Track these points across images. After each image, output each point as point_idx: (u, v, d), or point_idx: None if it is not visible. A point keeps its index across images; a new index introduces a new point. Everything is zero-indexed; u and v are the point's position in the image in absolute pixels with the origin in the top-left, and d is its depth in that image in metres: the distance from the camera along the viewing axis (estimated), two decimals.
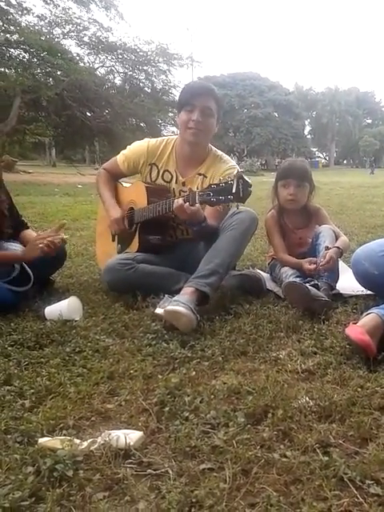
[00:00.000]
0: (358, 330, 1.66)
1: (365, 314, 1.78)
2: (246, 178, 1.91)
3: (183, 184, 2.46)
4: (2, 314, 1.97)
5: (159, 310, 1.96)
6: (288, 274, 2.35)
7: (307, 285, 2.13)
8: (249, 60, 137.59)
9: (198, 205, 2.02)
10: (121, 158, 2.61)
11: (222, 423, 1.22)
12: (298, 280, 2.22)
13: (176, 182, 2.49)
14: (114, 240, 2.63)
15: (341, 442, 1.15)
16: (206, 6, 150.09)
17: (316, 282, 2.23)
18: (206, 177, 2.44)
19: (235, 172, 1.96)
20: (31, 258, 2.19)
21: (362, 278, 2.12)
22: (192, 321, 1.86)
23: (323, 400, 1.32)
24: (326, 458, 1.07)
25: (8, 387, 1.41)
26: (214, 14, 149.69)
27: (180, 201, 2.04)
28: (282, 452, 1.10)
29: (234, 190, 1.89)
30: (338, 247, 2.36)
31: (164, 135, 2.79)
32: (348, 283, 2.40)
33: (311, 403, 1.31)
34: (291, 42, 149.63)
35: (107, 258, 2.39)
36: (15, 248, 2.34)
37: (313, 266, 2.32)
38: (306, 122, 60.04)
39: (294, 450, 1.11)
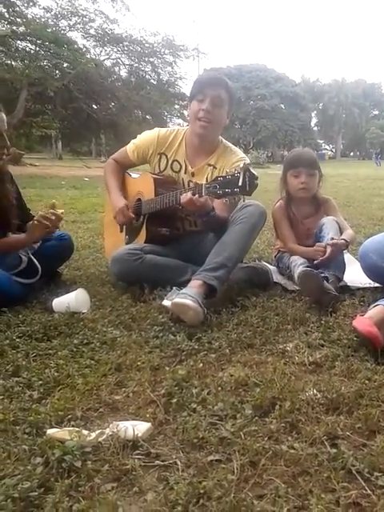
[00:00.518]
0: (366, 321, 1.65)
1: (372, 306, 1.77)
2: (252, 170, 1.90)
3: (192, 174, 2.46)
4: (11, 306, 1.98)
5: (166, 302, 1.96)
6: (298, 264, 2.33)
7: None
8: (255, 51, 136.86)
9: (205, 197, 2.02)
10: (131, 147, 2.61)
11: (229, 415, 1.22)
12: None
13: (185, 172, 2.48)
14: (121, 231, 2.63)
15: (349, 434, 1.15)
16: None
17: (325, 274, 2.22)
18: (216, 168, 2.43)
19: (242, 165, 1.95)
20: (34, 238, 2.23)
21: (370, 270, 2.11)
22: (199, 314, 1.86)
23: (331, 392, 1.31)
24: (334, 450, 1.07)
25: (16, 378, 1.42)
26: (220, 5, 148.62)
27: (188, 195, 2.04)
28: (290, 444, 1.10)
29: (240, 183, 1.88)
30: (344, 240, 2.35)
31: (170, 127, 2.78)
32: (355, 275, 2.40)
33: (319, 395, 1.31)
34: (298, 33, 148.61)
35: (115, 249, 2.39)
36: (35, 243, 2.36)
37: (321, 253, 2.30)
38: (313, 114, 59.68)
39: (302, 442, 1.11)
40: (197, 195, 2.02)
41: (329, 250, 2.27)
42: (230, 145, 2.54)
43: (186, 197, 2.05)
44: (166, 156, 2.52)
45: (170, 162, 2.52)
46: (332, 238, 2.31)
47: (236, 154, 2.48)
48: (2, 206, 2.17)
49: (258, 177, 1.91)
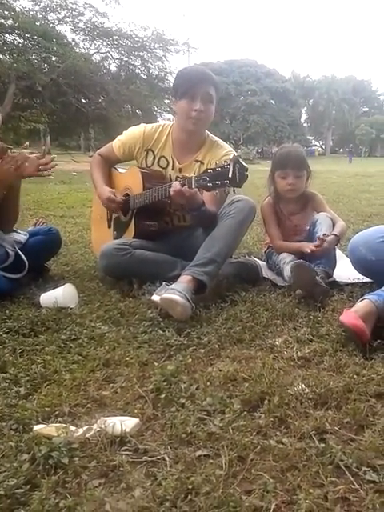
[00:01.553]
0: (352, 315, 1.66)
1: (359, 300, 1.78)
2: (242, 162, 1.89)
3: (180, 170, 2.44)
4: None
5: (155, 297, 1.95)
6: (287, 261, 2.34)
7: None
8: (245, 46, 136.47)
9: (194, 189, 2.01)
10: (116, 143, 2.58)
11: (218, 410, 1.22)
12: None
13: (173, 169, 2.47)
14: (109, 226, 2.61)
15: (337, 428, 1.15)
16: None
17: (315, 269, 2.22)
18: (203, 163, 2.42)
19: (231, 156, 1.94)
20: (8, 180, 2.10)
21: (359, 264, 2.12)
22: (187, 310, 1.85)
23: (319, 387, 1.31)
24: (322, 445, 1.07)
25: (3, 374, 1.40)
26: None
27: (177, 185, 2.02)
28: (279, 439, 1.10)
29: (230, 175, 1.87)
30: (335, 234, 2.35)
31: (159, 122, 2.75)
32: (344, 271, 2.41)
33: (307, 390, 1.31)
34: (288, 29, 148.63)
35: (103, 244, 2.37)
36: (23, 237, 2.32)
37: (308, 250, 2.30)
38: (303, 110, 59.78)
39: (290, 437, 1.11)
40: (186, 186, 2.01)
41: (324, 244, 2.26)
42: (216, 139, 2.53)
43: (175, 187, 2.03)
44: (153, 152, 2.50)
45: (157, 159, 2.50)
46: (324, 234, 2.31)
47: (223, 148, 2.47)
48: None
49: (247, 168, 1.90)
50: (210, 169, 1.98)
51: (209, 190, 1.99)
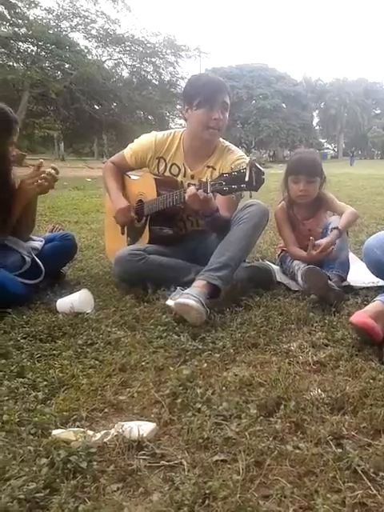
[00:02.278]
0: (361, 314, 1.66)
1: (371, 302, 1.78)
2: (258, 166, 1.89)
3: (192, 177, 2.45)
4: (15, 307, 1.98)
5: (170, 302, 1.96)
6: (300, 267, 2.33)
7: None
8: (256, 51, 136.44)
9: (210, 194, 2.01)
10: (128, 152, 2.60)
11: (234, 415, 1.22)
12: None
13: (184, 176, 2.48)
14: (123, 233, 2.63)
15: (354, 433, 1.15)
16: None
17: (328, 273, 2.21)
18: (215, 169, 2.43)
19: (248, 160, 1.94)
20: (30, 196, 2.22)
21: (374, 266, 2.10)
22: (201, 314, 1.86)
23: (335, 392, 1.31)
24: (339, 450, 1.06)
25: (21, 379, 1.42)
26: (221, 4, 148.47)
27: (192, 189, 2.03)
28: (295, 444, 1.10)
29: (246, 179, 1.87)
30: (336, 228, 2.33)
31: (171, 127, 2.77)
32: (359, 275, 2.39)
33: (323, 395, 1.30)
34: (299, 32, 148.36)
35: (118, 251, 2.38)
36: (39, 244, 2.36)
37: (316, 251, 2.29)
38: (315, 113, 59.56)
39: (307, 442, 1.11)
40: (201, 190, 2.01)
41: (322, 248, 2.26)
42: (227, 144, 2.53)
43: (190, 192, 2.03)
44: (165, 160, 2.52)
45: (168, 166, 2.51)
46: (315, 244, 2.29)
47: (235, 152, 2.48)
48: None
49: (264, 172, 1.90)
50: (225, 173, 1.98)
51: (224, 194, 1.99)
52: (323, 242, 2.27)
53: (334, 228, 2.33)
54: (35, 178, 2.14)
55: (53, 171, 2.16)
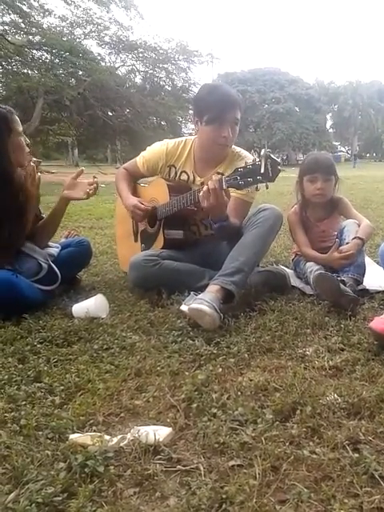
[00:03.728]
0: (381, 321, 1.64)
1: None
2: (273, 156, 1.87)
3: (201, 184, 2.45)
4: (32, 312, 2.00)
5: (184, 307, 1.97)
6: (314, 270, 2.32)
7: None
8: (269, 55, 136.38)
9: (223, 192, 1.99)
10: (140, 160, 2.63)
11: (249, 420, 1.22)
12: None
13: (193, 183, 2.49)
14: (136, 240, 2.64)
15: (371, 438, 1.14)
16: (225, 0, 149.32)
17: (342, 277, 2.20)
18: (224, 175, 2.43)
19: (262, 152, 1.91)
20: (70, 198, 2.34)
21: None
22: (215, 319, 1.86)
23: (352, 397, 1.30)
24: (356, 455, 1.06)
25: (38, 384, 1.43)
26: (232, 8, 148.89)
27: (211, 184, 1.98)
28: (312, 449, 1.09)
29: (262, 170, 1.84)
30: (358, 237, 2.32)
31: (184, 133, 2.79)
32: (374, 278, 2.38)
33: (340, 400, 1.30)
34: (311, 35, 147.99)
35: (132, 257, 2.39)
36: (55, 250, 2.39)
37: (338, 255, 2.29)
38: (328, 116, 59.24)
39: (324, 447, 1.10)
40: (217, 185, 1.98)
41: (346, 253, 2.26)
42: (238, 150, 2.53)
43: (211, 183, 1.99)
44: (175, 167, 2.54)
45: (178, 173, 2.53)
46: (340, 250, 2.29)
47: (245, 158, 2.46)
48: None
49: (280, 162, 1.89)
50: (240, 168, 1.95)
51: (240, 188, 1.97)
52: (346, 248, 2.27)
53: (357, 237, 2.33)
54: (76, 181, 2.30)
55: (94, 181, 2.33)
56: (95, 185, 2.31)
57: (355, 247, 2.29)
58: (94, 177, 2.32)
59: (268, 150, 1.95)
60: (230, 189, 2.02)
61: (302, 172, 2.60)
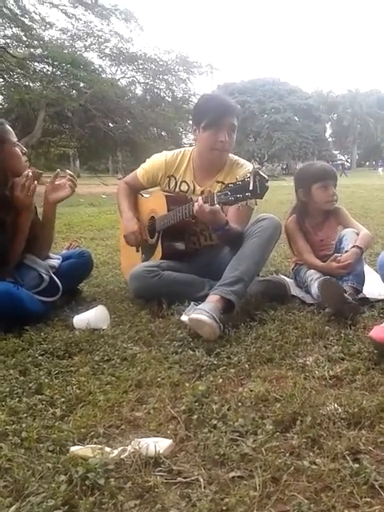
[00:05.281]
0: (381, 329, 1.64)
1: None
2: (262, 173, 1.91)
3: (202, 193, 2.47)
4: (33, 324, 2.01)
5: (184, 318, 1.97)
6: (315, 278, 2.33)
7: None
8: (268, 65, 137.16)
9: (217, 206, 2.03)
10: (140, 171, 2.66)
11: (250, 431, 1.22)
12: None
13: (193, 192, 2.51)
14: (138, 251, 2.66)
15: (371, 448, 1.14)
16: (224, 12, 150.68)
17: (343, 285, 2.20)
18: (224, 183, 2.45)
19: (251, 169, 1.96)
20: (57, 200, 2.29)
21: None
22: (215, 329, 1.86)
23: (352, 407, 1.30)
24: (357, 465, 1.06)
25: (39, 396, 1.44)
26: (232, 19, 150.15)
27: (200, 201, 2.05)
28: (312, 459, 1.10)
29: (251, 187, 1.88)
30: (356, 246, 2.33)
31: (185, 144, 2.82)
32: (374, 287, 2.38)
33: (340, 410, 1.30)
34: (310, 45, 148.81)
35: (132, 268, 2.41)
36: (57, 262, 2.40)
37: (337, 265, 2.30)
38: (327, 125, 59.44)
39: (324, 458, 1.10)
40: (208, 203, 2.03)
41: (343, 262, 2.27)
42: (236, 158, 2.56)
43: (198, 204, 2.06)
44: (175, 178, 2.56)
45: (178, 184, 2.56)
46: (337, 257, 2.31)
47: (243, 166, 2.49)
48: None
49: (268, 179, 1.92)
50: (230, 183, 2.00)
51: (231, 203, 2.00)
52: (344, 257, 2.28)
53: (356, 246, 2.33)
54: (55, 184, 2.24)
55: (69, 176, 2.26)
56: (72, 178, 2.29)
57: (353, 256, 2.30)
58: (66, 171, 2.32)
59: (257, 166, 1.99)
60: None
61: (310, 181, 2.58)
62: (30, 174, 2.15)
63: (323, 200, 2.56)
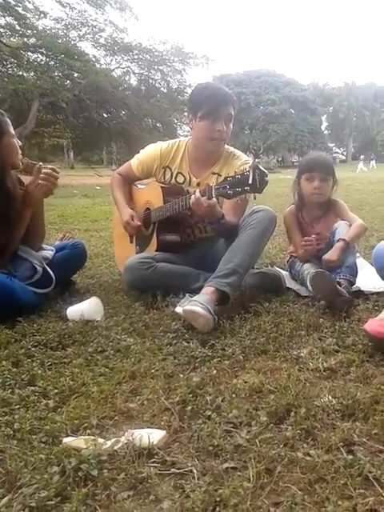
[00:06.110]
0: (376, 322, 1.65)
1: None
2: (261, 167, 1.91)
3: (198, 184, 2.46)
4: (26, 316, 2.00)
5: (179, 309, 1.97)
6: (310, 271, 2.33)
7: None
8: (264, 56, 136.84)
9: (214, 199, 2.02)
10: (135, 162, 2.63)
11: (244, 422, 1.22)
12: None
13: (189, 184, 2.49)
14: (132, 242, 2.64)
15: (365, 440, 1.14)
16: (220, 2, 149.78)
17: (337, 278, 2.20)
18: (221, 175, 2.44)
19: (251, 163, 1.95)
20: (36, 200, 2.19)
21: None
22: (209, 321, 1.86)
23: (346, 398, 1.30)
24: (350, 457, 1.06)
25: (32, 388, 1.43)
26: (228, 10, 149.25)
27: (197, 194, 2.05)
28: (306, 451, 1.10)
29: (250, 181, 1.88)
30: (342, 239, 2.33)
31: (180, 135, 2.79)
32: (368, 280, 2.38)
33: (334, 402, 1.30)
34: (306, 37, 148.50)
35: (127, 260, 2.40)
36: (50, 253, 2.38)
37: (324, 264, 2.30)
38: (323, 118, 59.43)
39: (318, 449, 1.10)
40: (205, 197, 2.02)
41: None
42: (232, 150, 2.54)
43: (194, 197, 2.06)
44: (170, 169, 2.54)
45: (174, 175, 2.54)
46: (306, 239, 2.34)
47: (239, 158, 2.49)
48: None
49: (267, 174, 1.92)
50: (229, 177, 1.99)
51: (229, 197, 2.00)
52: (328, 256, 2.28)
53: (340, 239, 2.33)
54: (36, 181, 2.13)
55: (49, 171, 2.15)
56: (53, 172, 2.18)
57: (337, 251, 2.29)
58: (52, 168, 2.19)
59: (257, 160, 1.98)
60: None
61: (300, 171, 2.60)
62: (49, 170, 2.13)
63: (308, 192, 2.55)
